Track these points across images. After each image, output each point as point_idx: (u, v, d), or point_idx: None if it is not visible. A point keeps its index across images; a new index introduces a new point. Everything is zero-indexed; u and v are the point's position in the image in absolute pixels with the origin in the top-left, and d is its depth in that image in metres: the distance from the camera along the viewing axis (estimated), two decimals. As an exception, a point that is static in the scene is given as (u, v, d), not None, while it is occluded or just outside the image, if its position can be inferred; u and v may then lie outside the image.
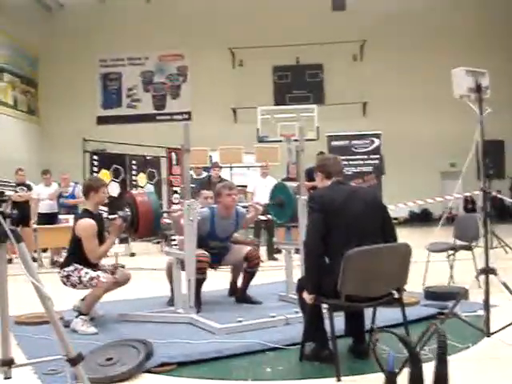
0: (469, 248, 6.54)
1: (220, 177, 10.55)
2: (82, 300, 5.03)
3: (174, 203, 12.12)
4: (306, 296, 3.62)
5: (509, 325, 4.15)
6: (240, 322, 4.69)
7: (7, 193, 2.54)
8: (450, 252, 6.66)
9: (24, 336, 4.51)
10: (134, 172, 13.20)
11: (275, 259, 9.88)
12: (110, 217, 6.22)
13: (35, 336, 4.52)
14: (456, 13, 21.84)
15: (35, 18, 22.24)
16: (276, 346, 4.08)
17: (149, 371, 3.64)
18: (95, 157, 12.57)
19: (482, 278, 4.50)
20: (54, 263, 10.16)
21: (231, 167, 13.34)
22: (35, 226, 10.27)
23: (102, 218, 5.37)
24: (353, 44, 22.57)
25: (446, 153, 20.62)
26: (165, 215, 7.14)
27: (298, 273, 5.37)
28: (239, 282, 6.04)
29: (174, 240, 10.09)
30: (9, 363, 2.52)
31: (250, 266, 5.79)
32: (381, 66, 22.13)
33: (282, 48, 21.92)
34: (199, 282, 5.30)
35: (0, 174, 11.56)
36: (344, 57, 22.70)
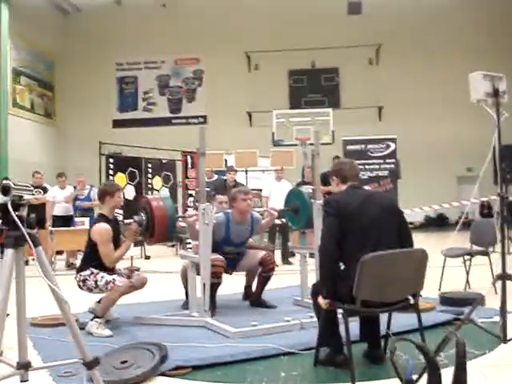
0: (485, 253, 6.48)
1: (235, 181, 10.55)
2: (98, 302, 5.05)
3: (189, 206, 12.15)
4: (321, 301, 3.60)
5: (526, 332, 4.11)
6: (254, 326, 4.68)
7: (26, 197, 2.56)
8: (467, 257, 6.60)
9: (39, 338, 4.54)
10: (149, 175, 13.28)
11: (290, 263, 9.87)
12: (126, 221, 6.25)
13: (50, 338, 4.55)
14: (471, 16, 21.72)
15: (52, 21, 22.47)
16: (291, 350, 4.07)
17: (163, 374, 3.64)
18: (111, 160, 12.67)
19: (499, 283, 4.46)
20: (69, 265, 10.21)
21: (246, 171, 13.34)
22: (51, 228, 10.32)
23: (118, 223, 5.40)
24: (368, 48, 22.53)
25: (462, 157, 20.52)
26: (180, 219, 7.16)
27: (312, 277, 5.36)
28: (254, 286, 6.03)
29: (189, 243, 10.10)
30: (26, 366, 2.53)
31: (264, 271, 5.78)
32: (396, 70, 22.05)
33: (297, 52, 21.94)
34: (214, 286, 5.29)
35: (17, 176, 11.61)
36: (360, 61, 22.65)
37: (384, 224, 3.68)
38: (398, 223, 3.79)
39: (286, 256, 10.22)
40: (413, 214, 11.66)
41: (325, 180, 8.20)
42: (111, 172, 12.55)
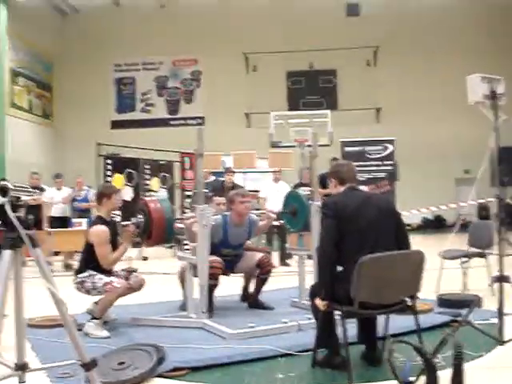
0: (483, 255, 6.49)
1: (233, 182, 10.54)
2: (96, 303, 5.05)
3: (186, 208, 12.13)
4: (319, 302, 3.61)
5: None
6: (252, 327, 4.68)
7: (23, 198, 2.56)
8: (464, 259, 6.61)
9: (37, 339, 4.54)
10: (147, 176, 13.26)
11: (287, 265, 9.87)
12: (123, 223, 6.25)
13: (48, 339, 4.55)
14: (471, 16, 21.73)
15: (50, 22, 22.43)
16: (288, 352, 4.07)
17: (161, 376, 3.65)
18: (109, 161, 12.65)
19: (496, 285, 4.47)
20: (66, 267, 10.19)
21: (244, 172, 13.32)
22: (48, 229, 10.29)
23: (115, 225, 5.40)
24: (366, 49, 22.49)
25: (460, 159, 20.49)
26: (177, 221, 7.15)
27: (310, 279, 5.36)
28: (251, 288, 6.03)
29: (187, 244, 10.09)
30: (24, 367, 2.53)
31: (262, 273, 5.78)
32: (394, 72, 22.05)
33: (295, 53, 21.93)
34: (211, 288, 5.30)
35: (15, 177, 11.62)
36: (358, 62, 22.63)
37: (381, 226, 3.69)
38: (396, 225, 3.81)
39: (284, 257, 10.21)
40: (410, 215, 11.65)
41: (323, 181, 8.19)
42: (109, 173, 12.53)
